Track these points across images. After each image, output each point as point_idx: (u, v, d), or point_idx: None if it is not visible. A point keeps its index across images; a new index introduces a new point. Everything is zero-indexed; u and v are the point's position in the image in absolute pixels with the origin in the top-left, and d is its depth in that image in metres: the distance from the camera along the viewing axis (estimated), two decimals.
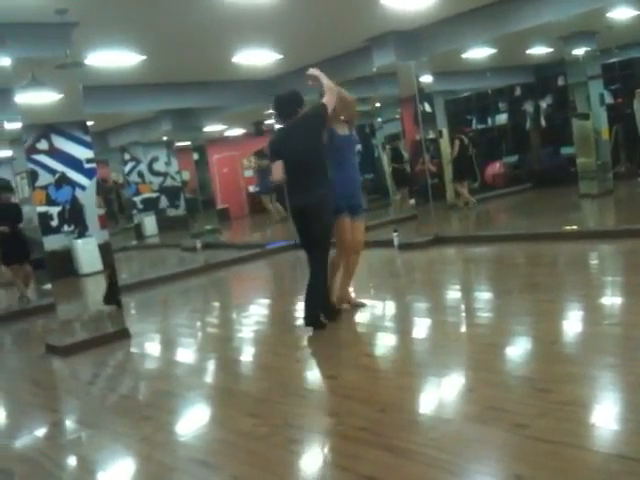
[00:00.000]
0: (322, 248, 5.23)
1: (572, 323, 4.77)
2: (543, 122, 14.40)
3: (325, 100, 5.22)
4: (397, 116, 9.38)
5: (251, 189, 19.12)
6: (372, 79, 9.31)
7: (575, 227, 8.44)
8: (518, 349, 4.28)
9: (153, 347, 5.92)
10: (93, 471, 3.30)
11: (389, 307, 6.07)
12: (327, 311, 5.28)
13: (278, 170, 5.21)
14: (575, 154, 11.16)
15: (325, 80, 5.31)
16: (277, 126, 11.71)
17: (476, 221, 11.50)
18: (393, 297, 6.39)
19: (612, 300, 5.22)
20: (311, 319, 5.17)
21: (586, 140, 10.73)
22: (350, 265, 5.60)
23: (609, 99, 12.00)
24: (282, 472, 2.94)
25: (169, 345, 5.93)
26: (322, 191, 5.12)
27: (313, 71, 5.40)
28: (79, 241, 6.13)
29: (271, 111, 5.35)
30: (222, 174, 19.24)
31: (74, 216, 6.10)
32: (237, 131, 18.07)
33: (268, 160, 6.44)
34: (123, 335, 5.95)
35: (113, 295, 6.22)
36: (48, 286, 6.10)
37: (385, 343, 4.92)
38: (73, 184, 6.09)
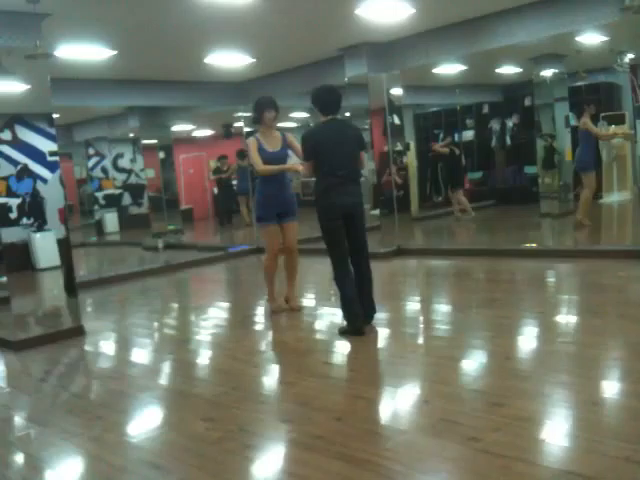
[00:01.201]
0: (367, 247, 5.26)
1: (527, 340, 4.84)
2: (508, 141, 14.63)
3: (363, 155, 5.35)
4: (366, 127, 9.43)
5: (216, 191, 19.00)
6: (343, 88, 9.34)
7: (535, 245, 8.58)
8: (474, 363, 4.32)
9: (108, 346, 5.83)
10: (41, 469, 3.24)
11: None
12: None
13: (309, 169, 5.18)
14: (538, 174, 11.36)
15: None
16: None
17: (438, 234, 11.60)
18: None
19: (567, 319, 5.31)
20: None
21: (549, 161, 10.93)
22: (289, 265, 6.02)
23: (574, 121, 12.24)
24: (234, 478, 2.93)
25: (125, 345, 5.85)
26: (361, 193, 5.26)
27: None
28: (37, 235, 6.02)
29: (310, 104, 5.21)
30: (188, 174, 19.10)
31: (34, 209, 5.99)
32: (205, 132, 17.97)
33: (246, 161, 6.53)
34: (78, 332, 5.86)
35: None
36: (3, 279, 5.98)
37: (343, 351, 4.93)
38: (35, 176, 5.99)
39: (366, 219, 5.40)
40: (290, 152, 5.88)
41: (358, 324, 5.01)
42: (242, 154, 14.12)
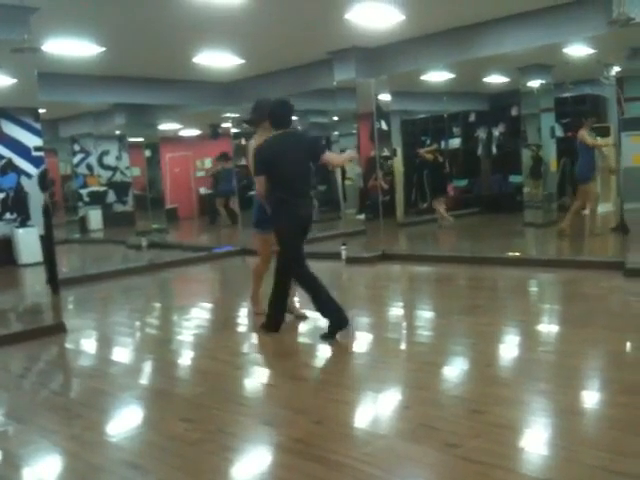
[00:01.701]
0: None
1: (509, 347, 4.87)
2: (494, 149, 14.72)
3: (328, 155, 5.51)
4: (354, 131, 9.46)
5: (202, 191, 18.96)
6: (332, 92, 9.38)
7: (518, 254, 8.63)
8: (455, 369, 4.34)
9: (89, 344, 5.80)
10: (18, 466, 3.20)
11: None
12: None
13: (262, 184, 5.15)
14: (523, 183, 11.44)
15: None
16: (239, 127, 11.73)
17: (423, 241, 11.65)
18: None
19: (549, 328, 5.35)
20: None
21: (535, 170, 11.02)
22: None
23: (559, 132, 12.34)
24: (213, 479, 2.92)
25: (106, 343, 5.81)
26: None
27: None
28: (20, 230, 5.98)
29: (246, 117, 5.32)
30: (173, 173, 19.03)
31: (17, 204, 5.95)
32: (192, 132, 17.92)
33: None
34: (59, 329, 5.81)
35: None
36: None
37: (325, 355, 4.93)
38: (19, 171, 5.95)
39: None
40: None
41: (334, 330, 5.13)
42: (225, 156, 14.15)
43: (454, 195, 14.93)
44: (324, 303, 5.11)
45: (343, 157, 6.50)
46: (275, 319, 5.31)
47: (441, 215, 12.34)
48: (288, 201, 5.10)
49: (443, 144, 15.61)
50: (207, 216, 17.06)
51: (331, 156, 5.88)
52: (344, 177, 11.44)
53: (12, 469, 3.20)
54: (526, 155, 11.13)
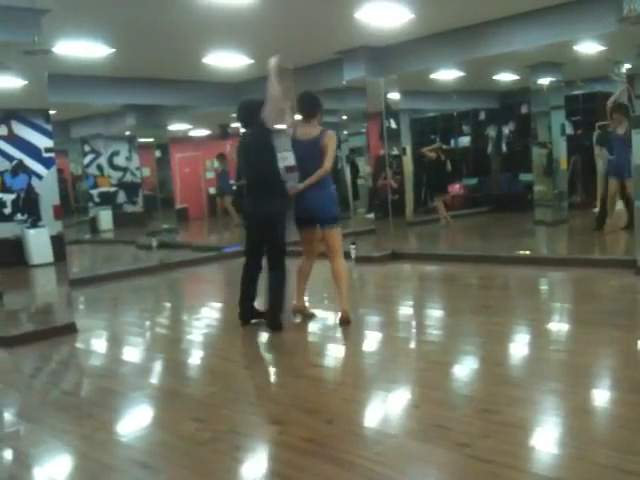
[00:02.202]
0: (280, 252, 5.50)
1: (519, 346, 4.85)
2: (504, 148, 14.67)
3: (264, 114, 5.34)
4: (363, 130, 9.45)
5: (212, 191, 19.01)
6: (341, 91, 9.37)
7: (528, 252, 8.60)
8: (465, 369, 4.33)
9: (100, 344, 5.82)
10: (29, 466, 3.22)
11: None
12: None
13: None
14: (533, 181, 11.39)
15: (271, 86, 5.40)
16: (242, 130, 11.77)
17: (433, 240, 11.62)
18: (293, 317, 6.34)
19: (559, 327, 5.32)
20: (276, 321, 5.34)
21: (544, 168, 10.97)
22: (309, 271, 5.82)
23: (570, 130, 12.28)
24: (223, 478, 2.92)
25: (116, 343, 5.84)
26: (277, 202, 5.37)
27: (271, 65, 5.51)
28: (31, 231, 6.01)
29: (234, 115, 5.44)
30: (183, 174, 19.08)
31: (28, 205, 5.98)
32: (201, 132, 17.95)
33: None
34: (70, 330, 5.83)
35: None
36: None
37: (335, 355, 4.93)
38: (30, 172, 5.97)
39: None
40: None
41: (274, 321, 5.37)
42: (222, 156, 14.38)
43: (463, 193, 14.90)
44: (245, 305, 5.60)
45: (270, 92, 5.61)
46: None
47: (440, 212, 12.29)
48: (246, 198, 5.48)
49: (453, 142, 15.58)
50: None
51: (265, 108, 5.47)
52: (357, 176, 11.42)
53: (23, 469, 3.22)
54: (537, 153, 11.07)
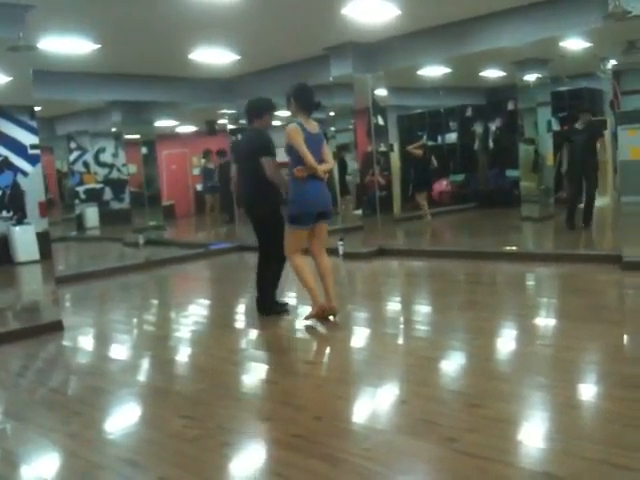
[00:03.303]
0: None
1: (506, 342, 4.88)
2: (491, 144, 14.72)
3: (264, 161, 5.44)
4: (350, 127, 9.45)
5: (199, 188, 18.94)
6: (328, 87, 9.35)
7: (515, 248, 8.63)
8: (453, 364, 4.35)
9: (87, 341, 5.79)
10: (17, 464, 3.20)
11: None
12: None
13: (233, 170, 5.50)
14: (520, 177, 11.44)
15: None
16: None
17: (420, 236, 11.65)
18: (317, 318, 6.32)
19: (546, 322, 5.35)
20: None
21: (531, 165, 11.01)
22: (324, 267, 5.64)
23: (556, 126, 12.34)
24: (212, 476, 2.92)
25: (103, 340, 5.81)
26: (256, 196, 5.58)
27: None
28: (17, 228, 5.96)
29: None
30: (170, 170, 18.99)
31: (14, 202, 5.93)
32: (188, 128, 17.87)
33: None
34: (57, 327, 5.80)
35: None
36: None
37: (324, 351, 4.93)
38: (15, 169, 5.93)
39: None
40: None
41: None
42: (207, 154, 14.41)
43: (451, 190, 14.93)
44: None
45: (278, 174, 5.56)
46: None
47: (425, 210, 12.32)
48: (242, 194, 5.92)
49: (440, 139, 15.61)
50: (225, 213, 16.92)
51: (267, 164, 5.45)
52: (346, 172, 11.42)
53: (10, 467, 3.19)
54: (523, 149, 11.12)
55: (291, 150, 5.24)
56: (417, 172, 12.77)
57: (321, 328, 5.33)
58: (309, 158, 5.13)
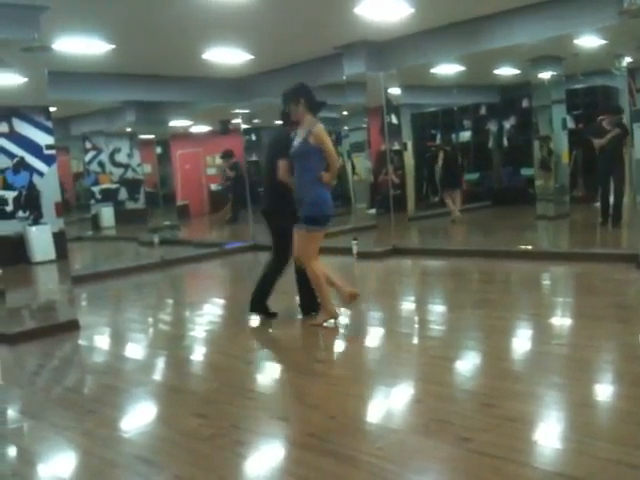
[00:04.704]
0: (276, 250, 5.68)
1: (521, 341, 4.86)
2: (505, 142, 14.64)
3: (280, 164, 5.32)
4: (364, 125, 9.44)
5: (213, 187, 19.00)
6: (341, 86, 9.35)
7: (530, 247, 8.59)
8: (467, 363, 4.33)
9: (102, 340, 5.82)
10: (33, 463, 3.23)
11: (343, 315, 6.08)
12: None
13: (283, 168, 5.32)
14: (534, 176, 11.37)
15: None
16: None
17: (434, 235, 11.62)
18: (347, 305, 6.38)
19: (561, 321, 5.32)
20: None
21: (546, 163, 10.95)
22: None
23: (571, 124, 12.25)
24: (226, 474, 2.93)
25: (119, 339, 5.85)
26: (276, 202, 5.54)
27: None
28: (33, 228, 6.01)
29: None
30: (184, 170, 19.05)
31: (30, 202, 5.97)
32: (202, 128, 17.92)
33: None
34: (72, 326, 5.85)
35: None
36: None
37: (337, 350, 4.93)
38: (31, 169, 5.97)
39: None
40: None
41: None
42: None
43: (465, 188, 14.88)
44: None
45: (287, 177, 5.38)
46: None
47: (450, 209, 12.26)
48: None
49: (454, 137, 15.55)
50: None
51: (280, 165, 5.33)
52: (353, 172, 11.41)
53: (27, 465, 3.23)
54: (538, 147, 11.05)
55: (314, 151, 5.10)
56: (445, 171, 12.71)
57: (335, 327, 5.32)
58: (336, 160, 5.22)
